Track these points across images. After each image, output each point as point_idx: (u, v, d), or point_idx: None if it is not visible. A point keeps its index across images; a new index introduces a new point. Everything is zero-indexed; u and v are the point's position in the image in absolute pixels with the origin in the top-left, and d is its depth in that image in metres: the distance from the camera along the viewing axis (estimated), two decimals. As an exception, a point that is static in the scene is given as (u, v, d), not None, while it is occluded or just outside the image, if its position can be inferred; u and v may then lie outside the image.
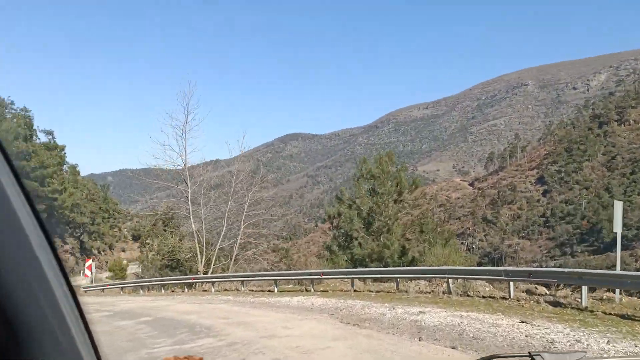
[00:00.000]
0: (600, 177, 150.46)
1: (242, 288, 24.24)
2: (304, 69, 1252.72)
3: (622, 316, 10.62)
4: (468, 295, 15.06)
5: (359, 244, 27.16)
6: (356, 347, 9.13)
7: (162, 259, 36.97)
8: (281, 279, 23.73)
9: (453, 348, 8.74)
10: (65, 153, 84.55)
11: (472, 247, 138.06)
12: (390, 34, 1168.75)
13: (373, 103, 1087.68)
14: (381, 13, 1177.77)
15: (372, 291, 18.41)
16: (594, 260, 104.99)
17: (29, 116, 73.27)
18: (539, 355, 1.90)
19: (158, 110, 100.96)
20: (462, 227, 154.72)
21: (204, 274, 30.15)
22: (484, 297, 14.64)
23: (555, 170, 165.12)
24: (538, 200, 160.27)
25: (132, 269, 58.52)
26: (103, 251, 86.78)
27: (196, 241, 31.40)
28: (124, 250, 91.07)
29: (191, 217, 31.29)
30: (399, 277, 18.31)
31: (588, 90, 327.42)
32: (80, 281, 43.14)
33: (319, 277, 21.08)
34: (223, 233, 31.98)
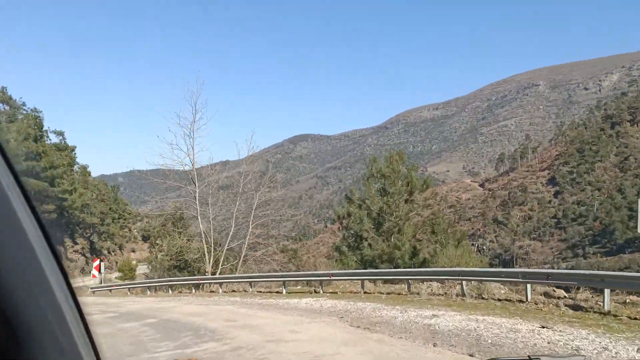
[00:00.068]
0: (613, 178, 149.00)
1: (250, 289, 23.80)
2: (313, 69, 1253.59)
3: (649, 321, 10.07)
4: (483, 298, 14.52)
5: (369, 244, 26.64)
6: (367, 354, 8.64)
7: (170, 259, 36.67)
8: (289, 280, 23.26)
9: (471, 355, 8.22)
10: (75, 154, 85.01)
11: (483, 249, 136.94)
12: (401, 35, 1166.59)
13: (383, 104, 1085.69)
14: (391, 13, 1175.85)
15: (382, 293, 17.92)
16: (606, 262, 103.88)
17: (39, 117, 73.52)
18: (538, 358, 1.89)
19: (165, 109, 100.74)
20: (472, 228, 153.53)
21: (211, 274, 29.78)
22: (499, 300, 14.09)
23: (567, 171, 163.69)
24: (549, 202, 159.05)
25: (142, 269, 58.31)
26: (113, 251, 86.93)
27: (204, 242, 31.03)
28: (134, 251, 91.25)
29: (199, 217, 30.93)
30: (410, 279, 17.75)
31: (600, 90, 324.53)
32: (88, 282, 43.00)
33: (328, 278, 20.58)
34: (231, 233, 31.58)
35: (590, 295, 12.90)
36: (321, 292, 20.11)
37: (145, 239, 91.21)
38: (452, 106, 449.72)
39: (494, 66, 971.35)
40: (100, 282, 37.58)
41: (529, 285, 13.33)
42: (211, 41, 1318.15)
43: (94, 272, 37.09)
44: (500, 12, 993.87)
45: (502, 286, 15.62)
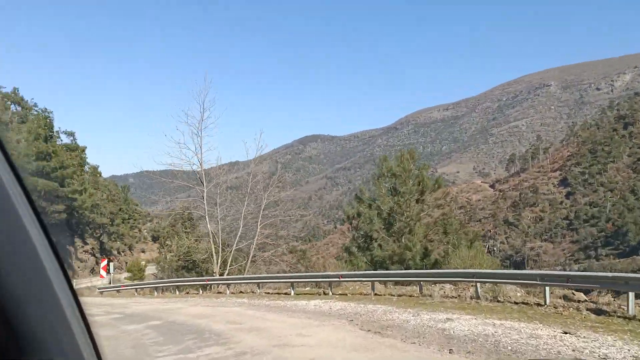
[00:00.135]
0: (626, 179, 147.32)
1: (258, 290, 23.35)
2: (323, 70, 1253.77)
3: (677, 326, 9.49)
4: (498, 301, 13.95)
5: (379, 245, 26.09)
6: (379, 360, 8.15)
7: (178, 260, 36.41)
8: (298, 281, 22.79)
9: (490, 363, 7.71)
10: (85, 154, 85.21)
11: (493, 250, 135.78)
12: (411, 35, 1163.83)
13: (393, 104, 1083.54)
14: (401, 14, 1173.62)
15: (393, 295, 17.40)
16: (619, 264, 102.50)
17: (49, 117, 73.71)
18: None
19: (174, 109, 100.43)
20: (482, 230, 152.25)
21: (219, 275, 29.40)
22: (515, 303, 13.52)
23: (578, 172, 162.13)
24: (561, 203, 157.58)
25: (151, 269, 58.24)
26: (123, 252, 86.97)
27: (212, 242, 30.66)
28: (143, 251, 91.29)
29: (207, 217, 30.56)
30: (422, 281, 17.19)
31: (612, 90, 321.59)
32: (96, 282, 42.85)
33: (338, 279, 20.07)
34: (239, 234, 31.19)
35: (612, 299, 12.32)
36: (330, 293, 19.62)
37: (155, 239, 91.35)
38: (463, 107, 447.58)
39: (504, 66, 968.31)
40: (110, 282, 37.41)
41: (547, 288, 12.77)
42: (219, 42, 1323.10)
43: (102, 272, 36.90)
44: (511, 12, 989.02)
45: (518, 289, 15.06)
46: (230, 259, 30.78)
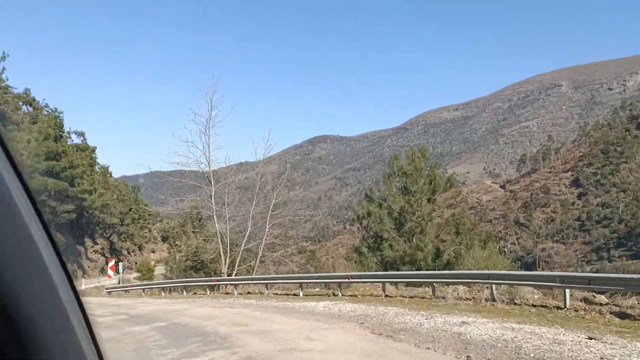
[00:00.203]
0: (638, 179, 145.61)
1: (266, 291, 22.91)
2: (332, 70, 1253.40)
3: None
4: (515, 304, 13.39)
5: (390, 245, 25.54)
6: (392, 366, 7.66)
7: (187, 260, 36.12)
8: (307, 282, 22.31)
9: (511, 371, 7.19)
10: (96, 154, 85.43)
11: (504, 251, 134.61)
12: (421, 35, 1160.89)
13: (402, 105, 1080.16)
14: (411, 14, 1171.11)
15: (405, 297, 16.88)
16: (632, 265, 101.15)
17: (59, 117, 73.87)
18: None
19: (183, 108, 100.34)
20: (493, 230, 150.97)
21: (227, 275, 29.01)
22: (533, 305, 12.96)
23: (590, 172, 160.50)
24: (573, 203, 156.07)
25: (160, 270, 58.11)
26: (132, 252, 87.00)
27: (220, 241, 30.28)
28: (153, 251, 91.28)
29: (215, 216, 30.18)
30: (435, 282, 16.65)
31: (624, 90, 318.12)
32: (105, 282, 42.63)
33: (347, 280, 19.57)
34: (247, 234, 30.80)
35: (637, 302, 11.72)
36: (340, 294, 19.15)
37: (164, 239, 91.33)
38: (473, 107, 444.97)
39: (515, 66, 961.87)
40: (119, 282, 37.23)
41: (567, 290, 12.21)
42: (229, 42, 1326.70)
43: (110, 272, 36.71)
44: (522, 12, 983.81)
45: (534, 291, 14.48)
46: (238, 259, 30.39)
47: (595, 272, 17.17)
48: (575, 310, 11.71)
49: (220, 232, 30.35)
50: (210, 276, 30.62)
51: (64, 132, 73.39)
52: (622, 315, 10.75)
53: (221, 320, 14.10)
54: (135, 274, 60.39)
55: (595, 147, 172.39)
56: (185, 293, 28.42)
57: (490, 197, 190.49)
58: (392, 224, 26.17)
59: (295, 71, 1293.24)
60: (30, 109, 79.43)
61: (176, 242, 48.81)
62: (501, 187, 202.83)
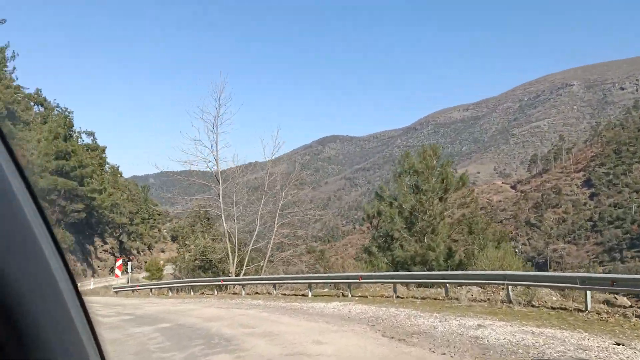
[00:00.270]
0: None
1: (274, 291, 22.45)
2: (342, 70, 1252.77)
3: None
4: (533, 306, 12.83)
5: (401, 245, 24.98)
6: (405, 373, 7.16)
7: (195, 259, 35.79)
8: (316, 282, 21.81)
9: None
10: (105, 154, 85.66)
11: (515, 252, 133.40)
12: (431, 35, 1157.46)
13: (412, 105, 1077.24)
14: (421, 14, 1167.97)
15: (417, 298, 16.35)
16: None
17: (69, 116, 74.05)
18: None
19: (190, 105, 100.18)
20: (504, 230, 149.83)
21: (235, 275, 28.61)
22: (552, 308, 12.39)
23: (603, 172, 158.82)
24: (585, 204, 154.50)
25: (169, 269, 57.96)
26: (142, 251, 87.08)
27: (228, 241, 29.89)
28: (163, 251, 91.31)
29: (222, 215, 29.79)
30: (448, 283, 16.09)
31: (637, 90, 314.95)
32: (113, 281, 42.45)
33: (357, 280, 19.04)
34: (256, 233, 30.39)
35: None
36: (349, 295, 18.65)
37: (174, 239, 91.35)
38: (483, 107, 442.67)
39: (526, 66, 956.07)
40: (128, 282, 36.99)
41: (588, 292, 11.64)
42: (238, 41, 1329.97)
43: (117, 271, 36.48)
44: (533, 12, 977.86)
45: (552, 292, 13.92)
46: (246, 259, 29.99)
47: (620, 274, 16.47)
48: (597, 313, 11.15)
49: (228, 232, 29.97)
50: (219, 276, 30.23)
51: (74, 131, 73.55)
52: (648, 319, 10.19)
53: (227, 322, 13.67)
54: (145, 274, 60.26)
55: (607, 147, 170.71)
56: (192, 293, 28.07)
57: (501, 197, 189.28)
58: (403, 223, 25.58)
59: (297, 71, 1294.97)
60: (42, 109, 79.80)
61: (185, 242, 48.59)
62: (512, 187, 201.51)
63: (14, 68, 69.73)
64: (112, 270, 66.00)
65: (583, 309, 11.67)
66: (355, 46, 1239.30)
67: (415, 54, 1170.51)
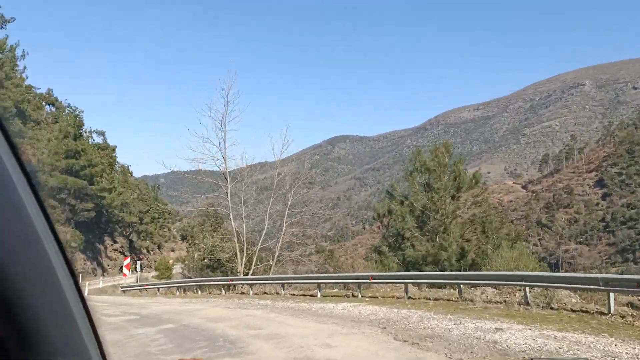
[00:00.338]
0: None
1: (283, 291, 22.00)
2: (352, 70, 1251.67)
3: None
4: (552, 308, 12.26)
5: (412, 244, 24.43)
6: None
7: (203, 258, 35.47)
8: (325, 283, 21.31)
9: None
10: (116, 153, 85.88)
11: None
12: (441, 35, 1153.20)
13: (422, 105, 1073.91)
14: (431, 14, 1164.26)
15: (429, 299, 15.81)
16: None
17: (79, 115, 74.23)
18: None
19: (198, 103, 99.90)
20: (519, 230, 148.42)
21: (244, 275, 28.20)
22: (572, 310, 11.82)
23: (615, 172, 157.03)
24: (597, 204, 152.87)
25: (178, 268, 57.82)
26: (152, 251, 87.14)
27: (236, 240, 29.48)
28: (173, 250, 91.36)
29: (231, 214, 29.40)
30: (462, 283, 15.50)
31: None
32: (123, 280, 42.25)
33: (368, 281, 18.52)
34: (264, 232, 29.97)
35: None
36: (360, 296, 18.15)
37: (184, 238, 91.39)
38: (493, 107, 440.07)
39: (537, 66, 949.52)
40: (137, 281, 36.77)
41: (611, 294, 11.06)
42: (249, 41, 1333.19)
43: (125, 270, 36.22)
44: (544, 11, 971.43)
45: (571, 294, 13.33)
46: (255, 258, 29.57)
47: None
48: (621, 317, 10.56)
49: (236, 231, 29.58)
50: (227, 275, 29.84)
51: (84, 130, 73.73)
52: (677, 323, 9.61)
53: (233, 323, 13.24)
54: (154, 273, 60.15)
55: (620, 147, 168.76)
56: (200, 292, 27.69)
57: (512, 197, 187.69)
58: (414, 222, 25.02)
59: (305, 72, 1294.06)
60: (53, 108, 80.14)
61: (195, 241, 48.38)
62: (523, 187, 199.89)
63: (25, 67, 70.01)
64: (121, 269, 66.03)
65: (605, 311, 11.10)
66: (363, 46, 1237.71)
67: (424, 53, 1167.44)
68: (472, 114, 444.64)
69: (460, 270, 20.41)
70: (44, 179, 55.47)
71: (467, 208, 25.37)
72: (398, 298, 16.89)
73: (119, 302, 25.56)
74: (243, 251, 29.42)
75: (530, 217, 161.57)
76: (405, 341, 9.41)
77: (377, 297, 17.60)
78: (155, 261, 73.56)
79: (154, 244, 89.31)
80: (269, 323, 12.85)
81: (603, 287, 11.11)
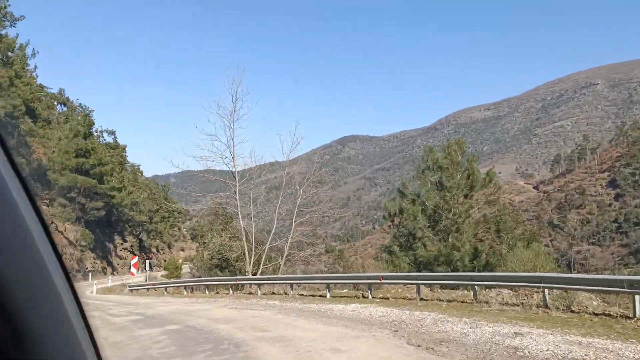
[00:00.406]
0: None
1: (291, 292, 21.52)
2: (362, 70, 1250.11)
3: None
4: (572, 311, 11.69)
5: (423, 244, 23.86)
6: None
7: (212, 258, 35.10)
8: (334, 283, 20.79)
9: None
10: (126, 153, 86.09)
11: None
12: (452, 34, 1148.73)
13: (432, 104, 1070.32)
14: (442, 14, 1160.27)
15: (442, 300, 15.27)
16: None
17: (89, 114, 74.42)
18: None
19: (206, 100, 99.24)
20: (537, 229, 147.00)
21: (252, 275, 27.77)
22: (594, 314, 11.24)
23: (628, 173, 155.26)
24: (610, 205, 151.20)
25: (187, 268, 57.59)
26: (161, 250, 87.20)
27: (244, 239, 29.05)
28: (183, 250, 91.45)
29: (239, 212, 29.00)
30: (476, 285, 14.91)
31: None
32: (133, 279, 42.00)
33: (379, 281, 17.99)
34: (273, 231, 29.53)
35: None
36: (370, 297, 17.62)
37: (193, 237, 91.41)
38: (504, 106, 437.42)
39: (548, 65, 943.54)
40: (146, 280, 36.52)
41: (637, 297, 10.46)
42: (259, 40, 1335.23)
43: (132, 269, 35.94)
44: (556, 10, 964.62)
45: (592, 297, 12.75)
46: (264, 258, 29.13)
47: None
48: (648, 321, 9.99)
49: (245, 230, 29.18)
50: (236, 275, 29.44)
51: (95, 130, 73.89)
52: None
53: (239, 324, 12.79)
54: (163, 272, 60.00)
55: (633, 147, 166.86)
56: (207, 292, 27.30)
57: (523, 197, 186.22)
58: (426, 221, 24.42)
59: (325, 71, 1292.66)
60: (65, 108, 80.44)
61: (204, 240, 48.09)
62: (534, 187, 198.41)
63: (36, 67, 70.12)
64: (130, 268, 65.98)
65: (630, 315, 10.52)
66: (376, 46, 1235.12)
67: (434, 53, 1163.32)
68: (483, 114, 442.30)
69: (474, 271, 19.84)
70: (54, 177, 55.49)
71: (480, 207, 24.75)
72: (410, 299, 16.36)
73: (126, 302, 25.23)
74: (251, 250, 29.02)
75: (542, 217, 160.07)
76: (419, 346, 8.89)
77: (388, 298, 17.08)
78: (165, 260, 73.52)
79: (164, 243, 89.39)
80: (276, 325, 12.39)
81: (628, 290, 10.52)
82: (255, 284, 23.95)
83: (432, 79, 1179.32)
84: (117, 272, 62.81)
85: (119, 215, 71.92)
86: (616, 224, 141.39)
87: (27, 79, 59.55)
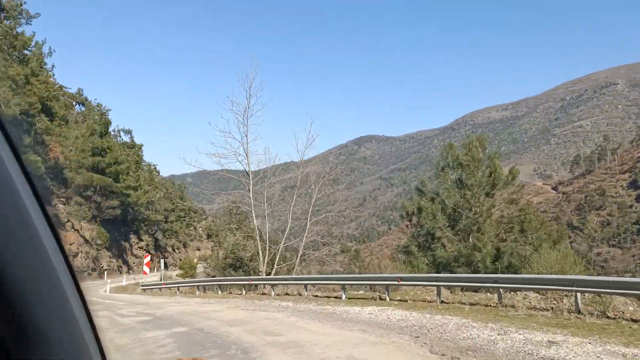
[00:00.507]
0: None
1: (305, 293, 20.81)
2: (379, 70, 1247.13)
3: None
4: (607, 317, 10.82)
5: (443, 244, 22.99)
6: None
7: (226, 258, 34.59)
8: (350, 284, 20.01)
9: None
10: (142, 152, 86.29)
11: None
12: (471, 34, 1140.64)
13: (449, 104, 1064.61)
14: (459, 14, 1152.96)
15: (464, 303, 14.43)
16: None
17: (106, 113, 74.60)
18: None
19: (220, 97, 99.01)
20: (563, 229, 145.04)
21: (266, 274, 27.15)
22: (633, 320, 10.34)
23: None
24: (631, 206, 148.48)
25: (202, 267, 57.33)
26: (177, 249, 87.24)
27: (258, 238, 28.45)
28: (198, 249, 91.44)
29: (252, 211, 28.41)
30: (501, 287, 14.01)
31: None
32: (147, 278, 41.69)
33: (396, 283, 17.17)
34: (287, 230, 28.90)
35: None
36: (387, 299, 16.82)
37: (209, 237, 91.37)
38: (522, 107, 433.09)
39: (567, 65, 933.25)
40: (161, 279, 36.16)
41: (682, 303, 9.60)
42: (275, 42, 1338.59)
43: (145, 268, 35.54)
44: (575, 9, 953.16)
45: (628, 301, 11.85)
46: (278, 257, 28.51)
47: None
48: (696, 329, 9.11)
49: (259, 229, 28.59)
50: (249, 275, 28.86)
51: (109, 128, 73.99)
52: None
53: (250, 327, 12.11)
54: (178, 271, 59.83)
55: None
56: (220, 292, 26.73)
57: (542, 198, 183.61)
58: (445, 220, 23.53)
59: (342, 71, 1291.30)
60: (83, 108, 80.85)
61: (219, 240, 47.72)
62: (553, 188, 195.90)
63: (53, 66, 70.34)
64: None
65: (674, 322, 9.65)
66: (393, 47, 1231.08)
67: (453, 54, 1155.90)
68: (501, 114, 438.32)
69: (496, 273, 18.95)
70: (70, 176, 55.54)
71: (503, 206, 23.77)
72: (429, 302, 15.54)
73: (137, 301, 24.77)
74: (265, 250, 28.44)
75: (561, 218, 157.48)
76: (443, 355, 8.11)
77: (407, 301, 16.27)
78: (180, 260, 73.41)
79: (180, 242, 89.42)
80: (289, 328, 11.69)
81: (672, 295, 9.65)
82: (269, 284, 23.30)
83: (449, 79, 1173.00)
84: (133, 271, 62.80)
85: (135, 214, 71.95)
86: (637, 226, 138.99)
87: (43, 77, 59.59)
